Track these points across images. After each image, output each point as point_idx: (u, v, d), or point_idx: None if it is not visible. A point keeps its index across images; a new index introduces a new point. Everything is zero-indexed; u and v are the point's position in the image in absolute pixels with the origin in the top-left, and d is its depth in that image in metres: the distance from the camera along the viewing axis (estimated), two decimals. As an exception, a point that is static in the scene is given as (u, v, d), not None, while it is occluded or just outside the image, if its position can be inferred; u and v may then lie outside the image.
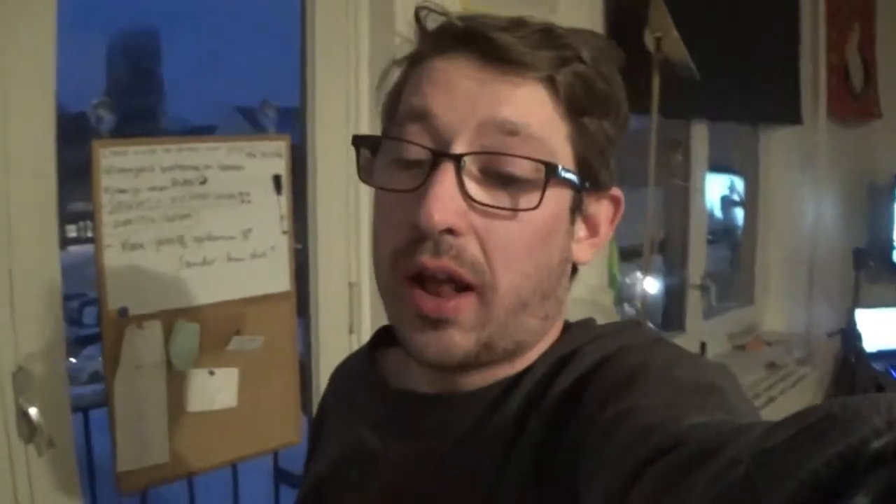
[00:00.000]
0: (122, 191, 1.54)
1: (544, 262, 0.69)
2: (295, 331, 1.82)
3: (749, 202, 3.73)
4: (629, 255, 2.79)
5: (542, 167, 0.65)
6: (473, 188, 0.65)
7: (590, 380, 0.66)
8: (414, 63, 0.72)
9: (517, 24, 0.68)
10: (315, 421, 0.96)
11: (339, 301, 1.90)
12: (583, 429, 0.61)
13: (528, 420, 0.68)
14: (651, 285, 2.54)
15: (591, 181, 0.71)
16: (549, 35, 0.68)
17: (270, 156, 1.74)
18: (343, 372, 0.95)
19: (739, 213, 3.93)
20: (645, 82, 2.26)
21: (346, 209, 1.89)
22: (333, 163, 1.87)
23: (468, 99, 0.66)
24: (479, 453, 0.69)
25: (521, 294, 0.67)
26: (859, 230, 3.95)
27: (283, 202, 1.76)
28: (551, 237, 0.69)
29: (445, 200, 0.63)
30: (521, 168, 0.65)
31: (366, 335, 1.80)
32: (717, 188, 3.83)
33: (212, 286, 1.67)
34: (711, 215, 3.58)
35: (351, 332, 1.92)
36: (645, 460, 0.47)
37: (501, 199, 0.65)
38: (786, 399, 2.77)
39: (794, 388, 2.92)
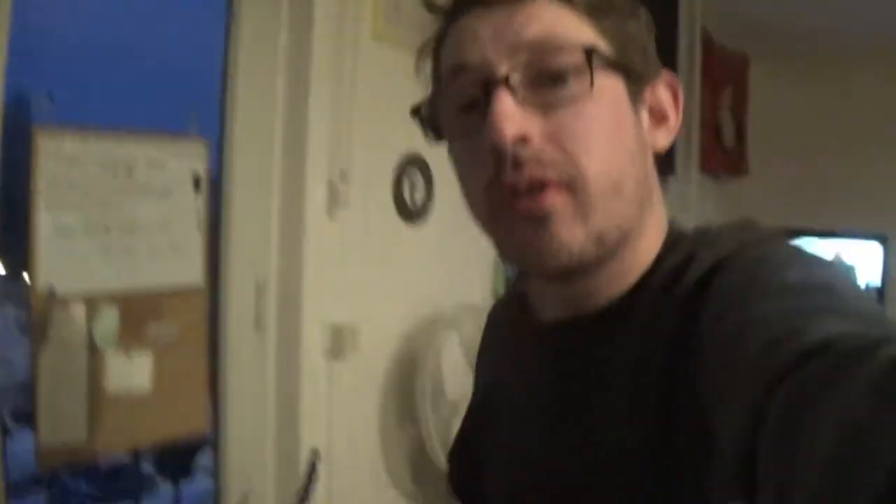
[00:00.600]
0: (58, 176, 1.80)
1: (621, 147, 0.77)
2: (206, 323, 2.10)
3: None
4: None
5: (582, 53, 0.74)
6: (528, 98, 0.75)
7: (708, 285, 0.71)
8: (438, 40, 0.85)
9: None
10: (476, 359, 1.12)
11: (247, 299, 2.19)
12: (707, 338, 0.66)
13: (651, 333, 0.76)
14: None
15: (634, 69, 0.80)
16: None
17: (191, 156, 2.05)
18: (493, 313, 1.09)
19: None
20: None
21: (259, 211, 2.19)
22: (249, 167, 2.18)
23: (493, 36, 0.77)
24: (609, 375, 0.79)
25: (611, 176, 0.76)
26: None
27: (201, 200, 2.06)
28: (620, 123, 0.78)
29: (508, 114, 0.73)
30: (564, 60, 0.75)
31: (272, 332, 2.12)
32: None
33: (133, 274, 1.94)
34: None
35: (258, 329, 2.20)
36: (787, 365, 0.51)
37: (558, 97, 0.75)
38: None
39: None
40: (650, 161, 0.83)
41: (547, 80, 0.75)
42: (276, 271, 2.21)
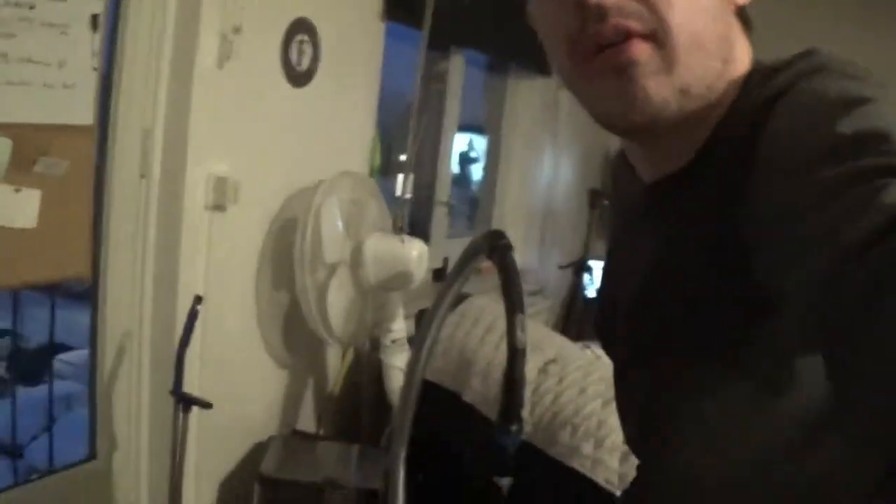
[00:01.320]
0: (-42, -1, 2.01)
1: (702, 2, 0.85)
2: (93, 165, 2.35)
3: (492, 151, 4.71)
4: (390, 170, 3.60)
5: None
6: None
7: (762, 127, 0.79)
8: None
9: None
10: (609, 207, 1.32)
11: (134, 144, 2.44)
12: (763, 198, 0.75)
13: (721, 185, 0.85)
14: (407, 190, 3.30)
15: None
16: None
17: (91, -6, 2.26)
18: (616, 163, 1.20)
19: (476, 170, 4.90)
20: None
21: (150, 57, 2.43)
22: (143, 11, 2.41)
23: None
24: (693, 230, 0.89)
25: (694, 30, 0.84)
26: (595, 173, 5.02)
27: (97, 41, 2.29)
28: None
29: None
30: None
31: (155, 182, 2.39)
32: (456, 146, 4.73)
33: (27, 107, 2.15)
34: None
35: (142, 176, 2.46)
36: (860, 242, 0.58)
37: None
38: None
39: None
40: (731, 17, 0.90)
41: None
42: (163, 118, 2.46)
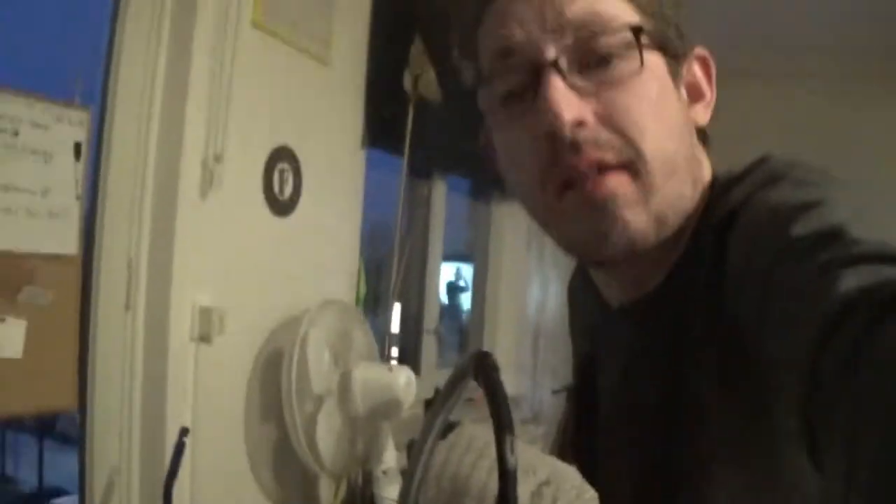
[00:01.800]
0: (-56, 128, 2.08)
1: (672, 124, 0.88)
2: (78, 295, 2.38)
3: (479, 278, 4.79)
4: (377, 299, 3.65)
5: (629, 32, 0.84)
6: (578, 81, 0.84)
7: (723, 252, 0.82)
8: (474, 24, 0.93)
9: None
10: (569, 327, 1.30)
11: (119, 275, 2.48)
12: (735, 307, 0.78)
13: (695, 303, 0.86)
14: (394, 322, 3.36)
15: (672, 45, 0.89)
16: None
17: (75, 124, 2.35)
18: (573, 286, 1.25)
19: (465, 299, 4.98)
20: (400, 123, 3.16)
21: (133, 186, 2.50)
22: (127, 141, 2.49)
23: (536, 17, 0.85)
24: (676, 350, 0.90)
25: (667, 156, 0.86)
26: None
27: (80, 169, 2.36)
28: (666, 99, 0.87)
29: (563, 98, 0.82)
30: (611, 41, 0.84)
31: (140, 313, 2.43)
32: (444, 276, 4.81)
33: (10, 235, 2.21)
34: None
35: (127, 308, 2.49)
36: (826, 327, 0.60)
37: (608, 79, 0.84)
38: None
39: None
40: (695, 137, 0.93)
41: (594, 60, 0.84)
42: (147, 248, 2.51)
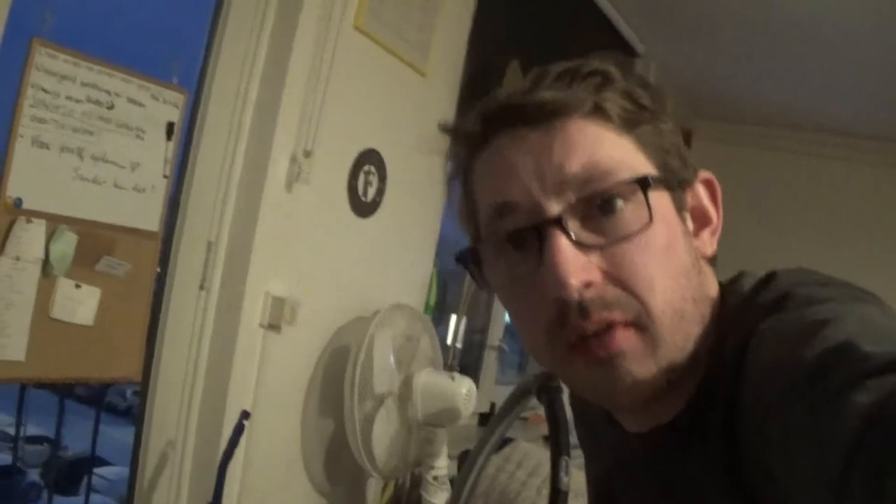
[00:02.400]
0: (45, 90, 1.99)
1: (680, 269, 0.81)
2: (155, 271, 2.28)
3: None
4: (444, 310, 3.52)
5: (636, 184, 0.78)
6: (585, 237, 0.78)
7: (738, 383, 0.76)
8: (469, 168, 0.89)
9: (539, 77, 0.84)
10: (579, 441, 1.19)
11: (197, 255, 2.38)
12: (752, 442, 0.73)
13: (717, 433, 0.80)
14: (459, 332, 3.21)
15: (677, 178, 0.84)
16: (573, 72, 0.82)
17: (170, 103, 2.25)
18: (579, 400, 1.15)
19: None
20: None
21: (221, 171, 2.40)
22: (219, 128, 2.39)
23: (535, 171, 0.80)
24: (694, 481, 0.84)
25: (675, 307, 0.80)
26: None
27: (171, 148, 2.26)
28: (674, 243, 0.81)
29: (570, 261, 0.76)
30: (614, 192, 0.78)
31: (214, 295, 2.32)
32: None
33: (96, 205, 2.12)
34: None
35: (201, 288, 2.38)
36: (850, 448, 0.56)
37: (614, 231, 0.78)
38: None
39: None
40: (703, 270, 0.86)
41: (599, 213, 0.79)
42: (228, 233, 2.41)
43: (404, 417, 2.69)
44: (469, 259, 0.87)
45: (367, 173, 2.79)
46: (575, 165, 0.78)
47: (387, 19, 2.74)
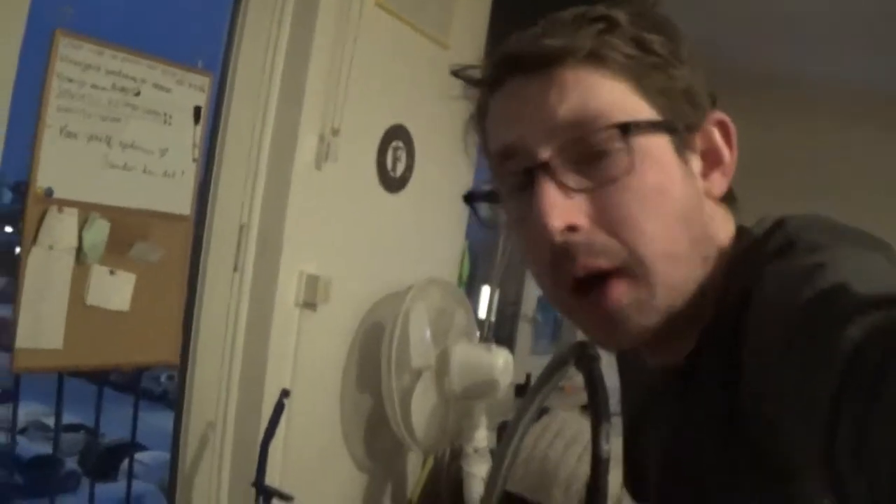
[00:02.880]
0: (71, 80, 1.95)
1: (674, 212, 0.80)
2: (188, 255, 2.25)
3: None
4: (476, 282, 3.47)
5: (618, 130, 0.77)
6: (572, 180, 0.78)
7: (742, 324, 0.75)
8: (484, 112, 0.89)
9: (548, 24, 0.83)
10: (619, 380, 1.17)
11: (230, 237, 2.34)
12: (754, 383, 0.72)
13: (721, 374, 0.79)
14: (493, 304, 3.17)
15: (684, 121, 0.82)
16: (581, 18, 0.82)
17: (196, 88, 2.21)
18: None
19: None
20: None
21: (250, 153, 2.35)
22: (245, 109, 2.35)
23: (531, 116, 0.81)
24: (703, 418, 0.83)
25: (666, 250, 0.79)
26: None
27: (198, 132, 2.22)
28: (667, 188, 0.80)
29: (551, 204, 0.77)
30: (599, 139, 0.78)
31: (248, 276, 2.28)
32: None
33: (126, 191, 2.09)
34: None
35: (235, 269, 2.35)
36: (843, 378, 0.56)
37: (600, 176, 0.78)
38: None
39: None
40: (706, 210, 0.84)
41: (587, 158, 0.79)
42: (259, 214, 2.37)
43: (442, 391, 2.65)
44: (481, 198, 0.90)
45: (396, 149, 2.74)
46: (566, 111, 0.79)
47: (408, -7, 2.68)
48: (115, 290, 2.08)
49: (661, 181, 0.79)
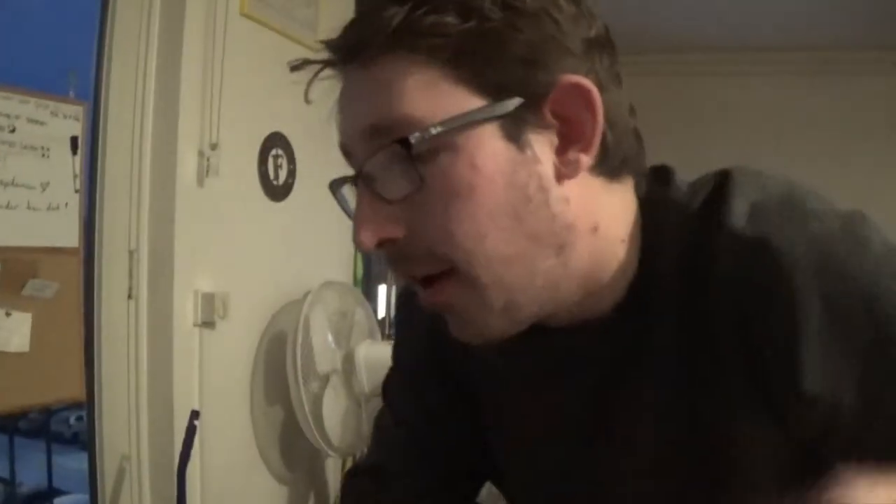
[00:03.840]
0: (-57, 124, 1.99)
1: (490, 212, 0.73)
2: (81, 287, 2.30)
3: None
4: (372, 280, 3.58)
5: (399, 148, 0.72)
6: (388, 188, 0.74)
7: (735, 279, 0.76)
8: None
9: (372, 6, 0.76)
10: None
11: (121, 264, 2.40)
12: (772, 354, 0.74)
13: (694, 316, 0.79)
14: (391, 301, 3.29)
15: (519, 92, 0.73)
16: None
17: (70, 118, 2.25)
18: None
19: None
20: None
21: (130, 177, 2.41)
22: (122, 133, 2.40)
23: (348, 119, 0.79)
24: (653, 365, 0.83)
25: (489, 254, 0.74)
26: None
27: (78, 163, 2.27)
28: (479, 185, 0.73)
29: (364, 219, 0.75)
30: (395, 156, 0.73)
31: (143, 301, 2.34)
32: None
33: (13, 230, 2.13)
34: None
35: (129, 296, 2.41)
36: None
37: (406, 181, 0.73)
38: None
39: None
40: (558, 194, 0.76)
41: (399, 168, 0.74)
42: (147, 238, 2.43)
43: (351, 392, 2.75)
44: (342, 183, 0.84)
45: (276, 157, 2.82)
46: (369, 116, 0.74)
47: (272, 1, 2.77)
48: (12, 331, 2.11)
49: (471, 181, 0.72)
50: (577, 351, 0.87)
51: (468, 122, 0.72)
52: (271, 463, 2.78)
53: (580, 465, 0.90)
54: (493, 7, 0.72)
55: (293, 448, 2.83)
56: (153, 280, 2.43)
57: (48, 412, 2.30)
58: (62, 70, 2.29)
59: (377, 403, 2.74)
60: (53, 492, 3.30)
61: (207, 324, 2.51)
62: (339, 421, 2.71)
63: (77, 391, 2.28)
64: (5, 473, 2.38)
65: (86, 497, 2.36)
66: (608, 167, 0.79)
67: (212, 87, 2.51)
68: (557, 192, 0.76)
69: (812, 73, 4.99)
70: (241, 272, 2.66)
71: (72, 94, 2.29)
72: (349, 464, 3.08)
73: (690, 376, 0.79)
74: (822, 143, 4.88)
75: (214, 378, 2.53)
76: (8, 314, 2.10)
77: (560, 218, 0.76)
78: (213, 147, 2.50)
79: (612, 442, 0.87)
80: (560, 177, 0.76)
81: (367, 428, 2.83)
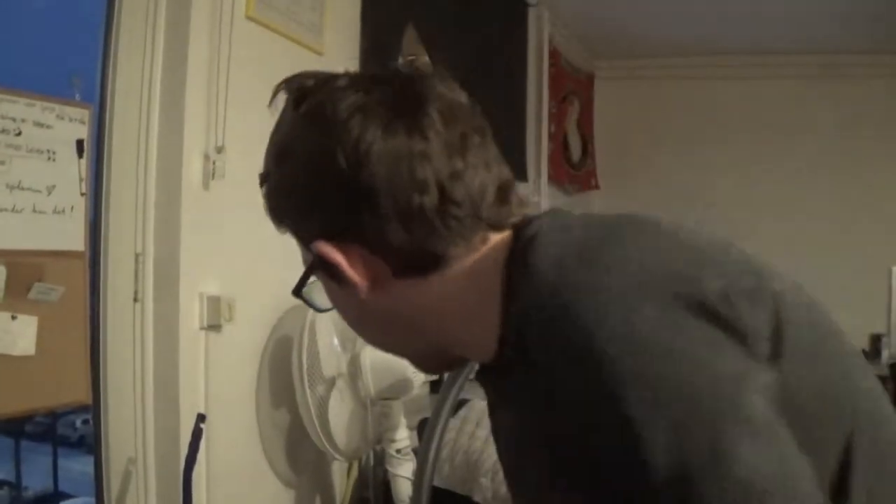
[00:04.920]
0: (-51, 128, 2.04)
1: (351, 319, 1.07)
2: (87, 290, 2.35)
3: None
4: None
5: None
6: None
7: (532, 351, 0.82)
8: None
9: None
10: None
11: (126, 268, 2.45)
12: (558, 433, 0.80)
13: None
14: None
15: (309, 258, 1.02)
16: None
17: (76, 121, 2.31)
18: None
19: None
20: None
21: (136, 181, 2.46)
22: (127, 137, 2.45)
23: None
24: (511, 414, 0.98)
25: (371, 341, 1.11)
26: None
27: (84, 166, 2.33)
28: (339, 304, 1.06)
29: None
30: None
31: (149, 305, 2.39)
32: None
33: (19, 233, 2.18)
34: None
35: (135, 300, 2.46)
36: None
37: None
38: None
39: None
40: (385, 302, 0.96)
41: None
42: (153, 241, 2.48)
43: (357, 396, 2.79)
44: (305, 281, 1.12)
45: (282, 160, 2.87)
46: None
47: (277, 4, 2.82)
48: (18, 334, 2.17)
49: (336, 302, 1.05)
50: (484, 385, 1.02)
51: (307, 276, 1.06)
52: (277, 466, 2.83)
53: (521, 482, 1.05)
54: (267, 181, 1.10)
55: (299, 451, 2.88)
56: (159, 283, 2.49)
57: (54, 415, 2.34)
58: (67, 73, 2.34)
59: (382, 405, 2.80)
60: (59, 495, 3.36)
61: (213, 327, 2.56)
62: (344, 424, 2.75)
63: (83, 394, 2.33)
64: (11, 477, 2.43)
65: (91, 500, 2.42)
66: (415, 269, 0.94)
67: (217, 90, 2.56)
68: (385, 300, 0.96)
69: (815, 77, 5.04)
70: (247, 275, 2.71)
71: (77, 97, 2.34)
72: (355, 467, 3.12)
73: (522, 434, 0.94)
74: (824, 145, 4.92)
75: (220, 381, 2.58)
76: (14, 317, 2.15)
77: (390, 314, 0.99)
78: (219, 150, 2.55)
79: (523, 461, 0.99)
80: (371, 290, 0.95)
81: (372, 430, 2.87)
